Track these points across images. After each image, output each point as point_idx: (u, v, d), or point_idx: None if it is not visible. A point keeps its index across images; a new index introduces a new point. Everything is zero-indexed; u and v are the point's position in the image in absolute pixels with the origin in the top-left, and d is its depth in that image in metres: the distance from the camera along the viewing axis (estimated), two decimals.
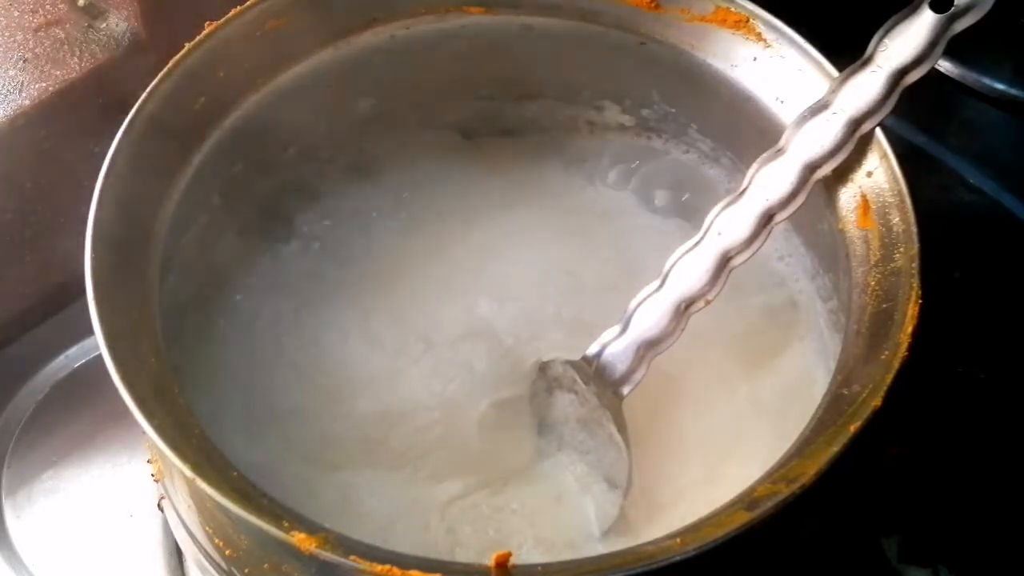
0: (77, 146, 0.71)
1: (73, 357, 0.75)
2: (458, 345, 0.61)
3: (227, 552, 0.49)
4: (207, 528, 0.51)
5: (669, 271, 0.55)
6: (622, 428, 0.55)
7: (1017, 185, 0.77)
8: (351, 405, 0.59)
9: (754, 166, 0.55)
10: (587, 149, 0.68)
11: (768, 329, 0.62)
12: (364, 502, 0.56)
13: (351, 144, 0.66)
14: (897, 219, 0.52)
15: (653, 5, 0.60)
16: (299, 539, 0.43)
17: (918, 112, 0.77)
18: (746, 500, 0.45)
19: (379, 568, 0.42)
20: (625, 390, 0.55)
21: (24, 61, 0.70)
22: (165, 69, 0.56)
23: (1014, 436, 0.69)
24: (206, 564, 0.52)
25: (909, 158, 0.54)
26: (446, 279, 0.63)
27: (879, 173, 0.54)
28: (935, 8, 0.55)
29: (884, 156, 0.54)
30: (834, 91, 0.55)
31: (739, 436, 0.58)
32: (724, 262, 0.54)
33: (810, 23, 0.58)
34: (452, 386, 0.59)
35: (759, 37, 0.58)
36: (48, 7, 0.72)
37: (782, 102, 0.58)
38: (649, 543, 0.44)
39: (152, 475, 0.56)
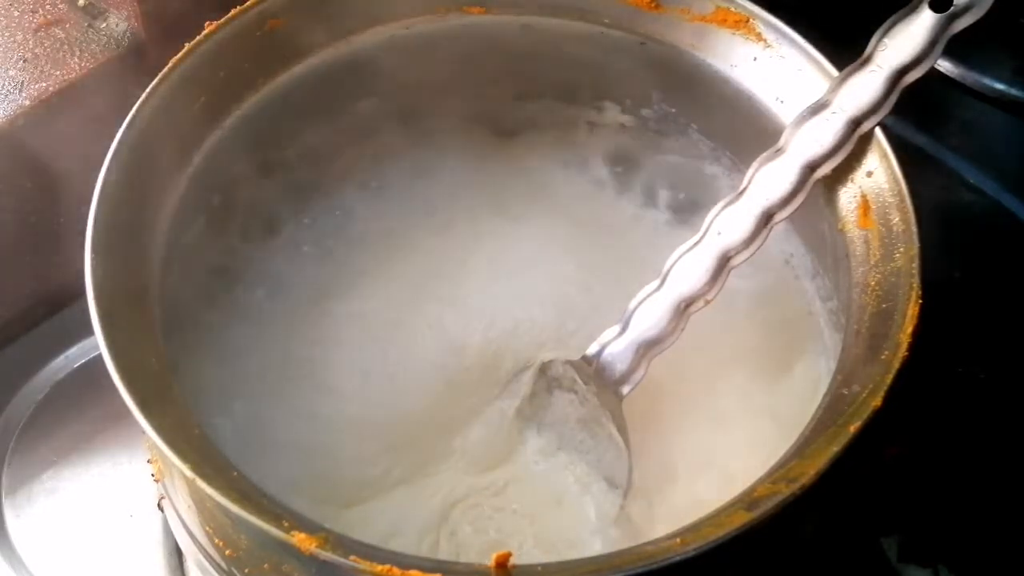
0: (77, 146, 0.71)
1: (73, 357, 0.75)
2: (476, 368, 0.60)
3: (227, 552, 0.49)
4: (207, 528, 0.51)
5: (669, 271, 0.55)
6: (622, 428, 0.55)
7: (1017, 185, 0.77)
8: (365, 442, 0.58)
9: (753, 166, 0.55)
10: (587, 149, 0.68)
11: (775, 331, 0.62)
12: (371, 515, 0.56)
13: (351, 144, 0.66)
14: (897, 219, 0.52)
15: (653, 5, 0.60)
16: (299, 539, 0.43)
17: (918, 112, 0.77)
18: (746, 500, 0.45)
19: (379, 568, 0.42)
20: (625, 390, 0.55)
21: (24, 61, 0.70)
22: (165, 69, 0.55)
23: (1014, 436, 0.69)
24: (206, 564, 0.52)
25: (909, 158, 0.54)
26: (454, 287, 0.63)
27: (879, 173, 0.54)
28: (934, 8, 0.55)
29: (884, 156, 0.54)
30: (833, 90, 0.55)
31: (746, 440, 0.58)
32: (724, 262, 0.54)
33: (810, 23, 0.58)
34: (478, 429, 0.59)
35: (759, 37, 0.58)
36: (48, 7, 0.72)
37: (782, 102, 0.58)
38: (649, 543, 0.44)
39: (152, 475, 0.56)
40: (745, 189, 0.55)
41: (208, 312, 0.61)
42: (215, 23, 0.57)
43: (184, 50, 0.56)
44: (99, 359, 0.47)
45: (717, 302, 0.55)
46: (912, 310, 0.49)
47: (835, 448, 0.45)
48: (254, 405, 0.59)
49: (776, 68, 0.58)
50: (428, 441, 0.58)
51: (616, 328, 0.56)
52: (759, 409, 0.59)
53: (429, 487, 0.57)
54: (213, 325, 0.61)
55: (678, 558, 0.43)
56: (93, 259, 0.50)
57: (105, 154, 0.53)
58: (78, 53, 0.70)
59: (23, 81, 0.69)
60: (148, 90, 0.55)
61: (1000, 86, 0.78)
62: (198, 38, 0.57)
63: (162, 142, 0.55)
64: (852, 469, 0.46)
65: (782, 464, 0.46)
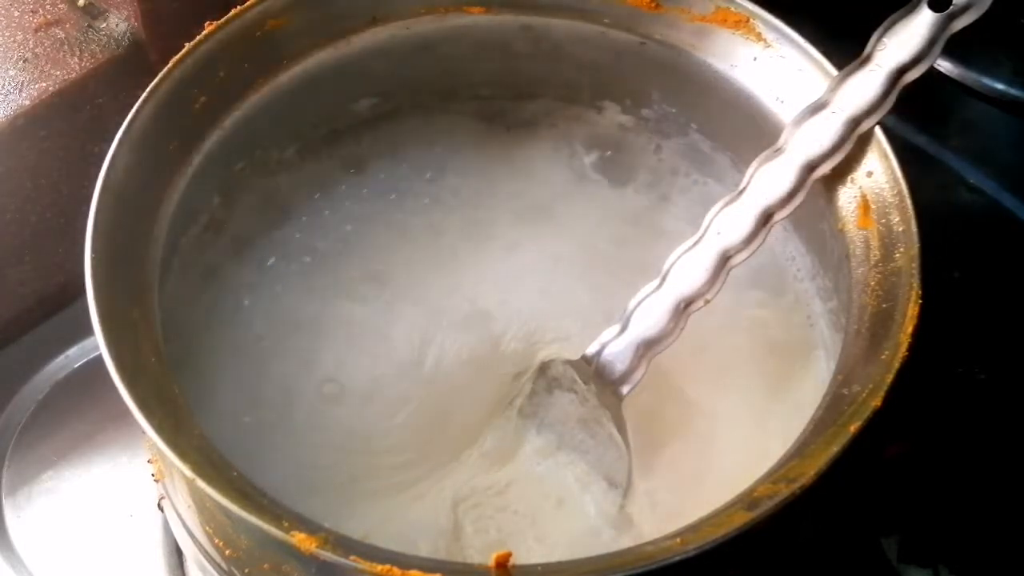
0: (77, 146, 0.71)
1: (73, 357, 0.75)
2: (484, 371, 0.60)
3: (227, 552, 0.49)
4: (207, 528, 0.51)
5: (668, 270, 0.55)
6: (622, 428, 0.55)
7: (1017, 185, 0.77)
8: (370, 446, 0.58)
9: (753, 165, 0.55)
10: (587, 149, 0.68)
11: (774, 331, 0.62)
12: (372, 513, 0.56)
13: (351, 145, 0.66)
14: (897, 219, 0.52)
15: (653, 5, 0.60)
16: (299, 539, 0.43)
17: (918, 112, 0.77)
18: (746, 500, 0.45)
19: (379, 568, 0.42)
20: (624, 389, 0.55)
21: (24, 61, 0.70)
22: (165, 69, 0.55)
23: (1014, 436, 0.69)
24: (206, 564, 0.52)
25: (909, 158, 0.54)
26: (455, 289, 0.63)
27: (879, 173, 0.54)
28: (933, 7, 0.55)
29: (884, 156, 0.54)
30: (833, 90, 0.55)
31: (746, 441, 0.57)
32: (723, 261, 0.54)
33: (810, 22, 0.58)
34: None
35: (759, 37, 0.58)
36: (48, 7, 0.72)
37: (782, 102, 0.58)
38: (649, 543, 0.44)
39: (152, 475, 0.56)
40: (744, 189, 0.55)
41: (209, 312, 0.61)
42: (215, 23, 0.57)
43: (184, 50, 0.56)
44: (99, 359, 0.47)
45: (714, 303, 0.55)
46: (912, 310, 0.49)
47: (835, 448, 0.45)
48: (255, 406, 0.59)
49: (776, 68, 0.58)
50: (439, 447, 0.58)
51: (616, 328, 0.56)
52: (758, 410, 0.59)
53: (438, 490, 0.57)
54: (214, 325, 0.61)
55: (678, 558, 0.43)
56: (93, 259, 0.50)
57: (105, 154, 0.53)
58: (78, 53, 0.70)
59: (23, 81, 0.69)
60: (148, 90, 0.55)
61: (1000, 86, 0.78)
62: (198, 38, 0.57)
63: (162, 142, 0.55)
64: (852, 469, 0.46)
65: (782, 464, 0.46)
